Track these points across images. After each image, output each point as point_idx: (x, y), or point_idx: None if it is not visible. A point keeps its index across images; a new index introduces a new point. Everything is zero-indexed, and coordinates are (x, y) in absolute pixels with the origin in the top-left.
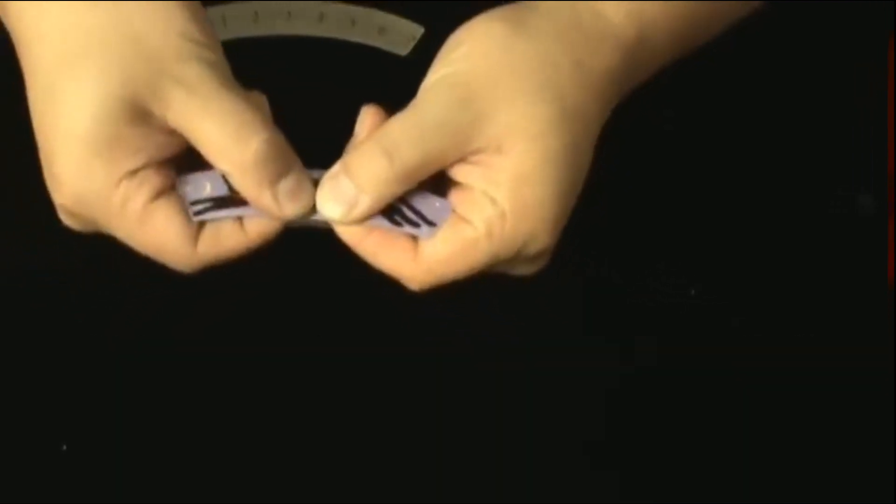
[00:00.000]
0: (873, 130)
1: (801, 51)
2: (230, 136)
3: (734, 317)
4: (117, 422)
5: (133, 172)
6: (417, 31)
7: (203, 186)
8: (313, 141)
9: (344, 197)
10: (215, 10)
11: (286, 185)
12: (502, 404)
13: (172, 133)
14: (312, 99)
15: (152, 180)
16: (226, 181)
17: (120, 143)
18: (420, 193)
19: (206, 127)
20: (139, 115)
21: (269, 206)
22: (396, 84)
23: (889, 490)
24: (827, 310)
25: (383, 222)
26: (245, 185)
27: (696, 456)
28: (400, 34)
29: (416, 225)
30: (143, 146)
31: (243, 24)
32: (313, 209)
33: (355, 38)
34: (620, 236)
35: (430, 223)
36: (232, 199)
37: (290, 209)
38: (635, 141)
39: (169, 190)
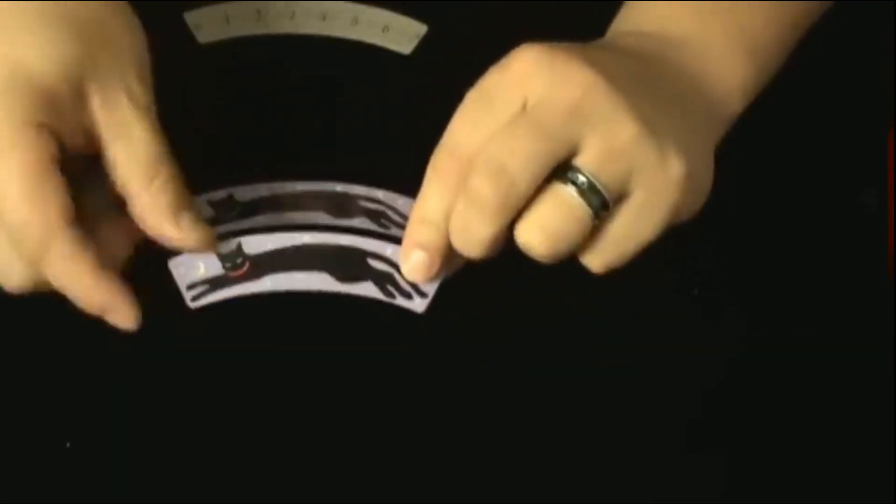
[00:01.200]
0: (874, 127)
1: (803, 49)
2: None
3: (734, 316)
4: (120, 420)
5: (41, 126)
6: (421, 29)
7: (196, 267)
8: (315, 139)
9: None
10: (218, 9)
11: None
12: (502, 404)
13: (84, 134)
14: (315, 97)
15: (50, 144)
16: (219, 260)
17: (50, 94)
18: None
19: (120, 145)
20: (79, 89)
21: (172, 235)
22: (399, 83)
23: (889, 490)
24: (827, 309)
25: (377, 294)
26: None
27: (696, 455)
28: (403, 33)
29: (408, 296)
30: (63, 113)
31: (246, 22)
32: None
33: (358, 37)
34: None
35: (423, 294)
36: (228, 279)
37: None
38: None
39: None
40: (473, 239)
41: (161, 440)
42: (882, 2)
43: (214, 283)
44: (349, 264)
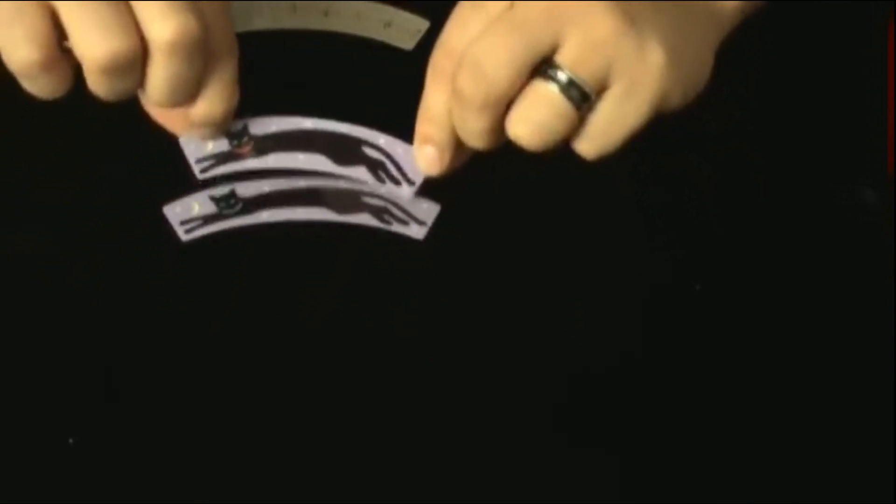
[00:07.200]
0: (874, 124)
1: (802, 45)
2: None
3: (735, 313)
4: (124, 416)
5: None
6: (423, 25)
7: (205, 144)
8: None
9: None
10: None
11: None
12: (500, 401)
13: None
14: (317, 93)
15: None
16: (226, 137)
17: None
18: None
19: None
20: None
21: None
22: (401, 78)
23: (889, 490)
24: (828, 307)
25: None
26: None
27: (696, 455)
28: (405, 28)
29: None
30: None
31: (249, 18)
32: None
33: (361, 32)
34: (624, 231)
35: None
36: (234, 154)
37: None
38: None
39: None
40: (470, 132)
41: (164, 435)
42: (882, 2)
43: (220, 158)
44: (345, 149)
